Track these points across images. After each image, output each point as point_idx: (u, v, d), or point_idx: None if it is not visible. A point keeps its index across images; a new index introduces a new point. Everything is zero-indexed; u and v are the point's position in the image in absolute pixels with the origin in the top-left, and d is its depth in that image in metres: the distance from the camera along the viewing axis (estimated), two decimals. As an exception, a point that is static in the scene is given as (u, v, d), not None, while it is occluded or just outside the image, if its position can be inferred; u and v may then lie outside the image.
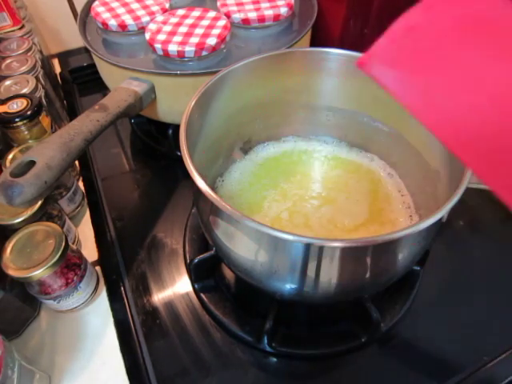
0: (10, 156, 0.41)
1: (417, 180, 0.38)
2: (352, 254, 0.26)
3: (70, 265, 0.36)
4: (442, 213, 0.24)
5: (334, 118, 0.43)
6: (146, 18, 0.50)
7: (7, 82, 0.47)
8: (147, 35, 0.47)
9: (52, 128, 0.47)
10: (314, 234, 0.36)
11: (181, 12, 0.50)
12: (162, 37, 0.46)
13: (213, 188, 0.30)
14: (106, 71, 0.51)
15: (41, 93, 0.48)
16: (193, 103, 0.32)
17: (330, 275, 0.27)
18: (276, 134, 0.45)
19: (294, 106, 0.42)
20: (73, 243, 0.42)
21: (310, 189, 0.41)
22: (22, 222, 0.36)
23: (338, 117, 0.43)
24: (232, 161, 0.43)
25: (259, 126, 0.43)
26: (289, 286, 0.29)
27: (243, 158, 0.44)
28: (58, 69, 0.71)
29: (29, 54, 0.53)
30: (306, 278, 0.28)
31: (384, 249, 0.27)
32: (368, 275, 0.28)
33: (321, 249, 0.25)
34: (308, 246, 0.25)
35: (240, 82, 0.37)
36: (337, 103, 0.41)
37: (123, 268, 0.42)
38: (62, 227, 0.40)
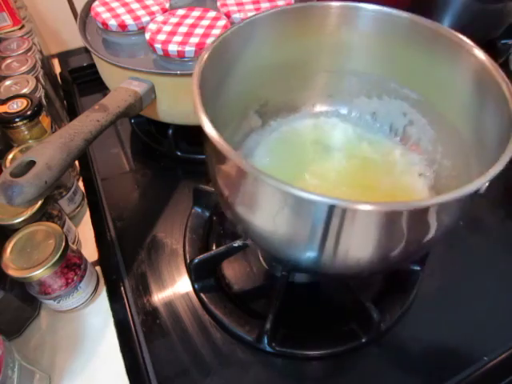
0: (10, 156, 0.41)
1: (448, 153, 0.35)
2: (381, 221, 0.23)
3: (70, 265, 0.36)
4: (487, 178, 0.21)
5: (358, 84, 0.39)
6: (145, 18, 0.50)
7: (7, 82, 0.47)
8: (147, 35, 0.47)
9: (52, 128, 0.47)
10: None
11: (181, 12, 0.50)
12: (161, 37, 0.46)
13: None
14: (106, 71, 0.51)
15: (41, 93, 0.48)
16: (206, 56, 0.29)
17: (351, 243, 0.25)
18: (294, 99, 0.41)
19: (314, 68, 0.39)
20: (73, 243, 0.42)
21: (332, 168, 0.37)
22: (21, 222, 0.36)
23: (363, 82, 0.39)
24: (247, 130, 0.39)
25: (277, 88, 0.39)
26: (307, 254, 0.27)
27: (259, 132, 0.40)
28: (58, 69, 0.71)
29: (29, 54, 0.53)
30: (326, 245, 0.25)
31: (417, 217, 0.23)
32: (393, 247, 0.25)
33: (345, 211, 0.22)
34: (332, 208, 0.22)
35: (258, 37, 0.34)
36: (362, 67, 0.38)
37: (123, 268, 0.42)
38: (62, 227, 0.40)
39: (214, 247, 0.44)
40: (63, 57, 0.73)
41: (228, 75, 0.33)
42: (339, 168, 0.38)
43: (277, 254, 0.30)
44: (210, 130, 0.24)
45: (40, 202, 0.37)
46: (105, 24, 0.49)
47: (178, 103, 0.47)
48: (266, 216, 0.26)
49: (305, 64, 0.38)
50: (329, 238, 0.24)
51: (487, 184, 0.22)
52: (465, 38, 0.30)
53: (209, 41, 0.45)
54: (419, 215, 0.23)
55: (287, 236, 0.27)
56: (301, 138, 0.40)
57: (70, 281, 0.36)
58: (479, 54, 0.29)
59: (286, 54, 0.36)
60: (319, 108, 0.42)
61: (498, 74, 0.27)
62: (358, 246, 0.25)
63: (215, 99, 0.31)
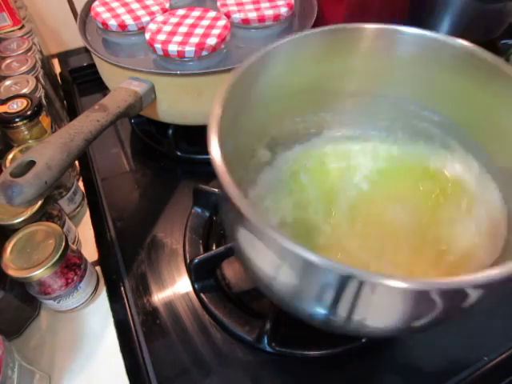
0: (10, 156, 0.41)
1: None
2: (409, 297, 0.20)
3: (70, 265, 0.36)
4: None
5: (380, 108, 0.37)
6: (146, 18, 0.50)
7: (7, 82, 0.47)
8: (147, 35, 0.47)
9: (52, 128, 0.47)
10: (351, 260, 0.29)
11: (181, 12, 0.50)
12: (161, 37, 0.46)
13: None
14: (106, 71, 0.51)
15: (41, 93, 0.48)
16: (224, 92, 0.26)
17: (368, 314, 0.22)
18: (312, 127, 0.38)
19: (333, 93, 0.36)
20: (73, 243, 0.42)
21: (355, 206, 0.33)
22: (21, 222, 0.36)
23: (384, 105, 0.36)
24: (257, 168, 0.36)
25: (292, 118, 0.37)
26: (313, 312, 0.25)
27: (269, 167, 0.36)
28: (57, 69, 0.71)
29: (29, 54, 0.53)
30: (338, 309, 0.22)
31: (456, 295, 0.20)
32: (419, 319, 0.22)
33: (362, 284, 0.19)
34: (346, 279, 0.19)
35: (279, 65, 0.31)
36: (388, 90, 0.35)
37: (123, 268, 0.42)
38: (62, 227, 0.40)
39: (213, 247, 0.44)
40: (63, 57, 0.73)
41: (241, 111, 0.30)
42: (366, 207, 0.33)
43: (283, 306, 0.28)
44: (231, 190, 0.21)
45: (40, 202, 0.37)
46: (105, 24, 0.49)
47: (178, 103, 0.47)
48: (269, 265, 0.24)
49: (324, 90, 0.36)
50: (341, 305, 0.22)
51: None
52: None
53: (209, 41, 0.45)
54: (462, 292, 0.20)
55: (292, 288, 0.24)
56: (318, 167, 0.36)
57: (70, 281, 0.36)
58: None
59: (305, 81, 0.34)
60: (337, 133, 0.39)
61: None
62: (377, 316, 0.23)
63: (230, 139, 0.27)
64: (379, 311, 0.22)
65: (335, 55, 0.33)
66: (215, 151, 0.23)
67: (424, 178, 0.35)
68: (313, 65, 0.33)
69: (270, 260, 0.23)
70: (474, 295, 0.20)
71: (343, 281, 0.19)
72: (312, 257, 0.18)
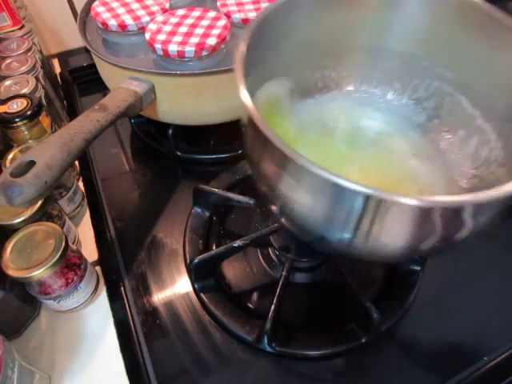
0: (10, 156, 0.41)
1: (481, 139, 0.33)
2: (416, 214, 0.23)
3: (69, 265, 0.36)
4: None
5: (393, 64, 0.38)
6: (146, 18, 0.50)
7: (7, 82, 0.47)
8: (147, 35, 0.47)
9: (52, 128, 0.47)
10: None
11: (181, 12, 0.50)
12: (162, 37, 0.46)
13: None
14: (106, 71, 0.51)
15: (41, 93, 0.48)
16: (251, 29, 0.28)
17: (384, 231, 0.24)
18: (326, 80, 0.39)
19: (349, 46, 0.37)
20: (73, 243, 0.42)
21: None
22: (21, 222, 0.36)
23: (404, 64, 0.37)
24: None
25: (309, 67, 0.38)
26: (341, 236, 0.27)
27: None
28: (57, 69, 0.71)
29: (29, 54, 0.53)
30: (360, 229, 0.25)
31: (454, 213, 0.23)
32: (424, 240, 0.25)
33: (380, 202, 0.22)
34: (367, 198, 0.22)
35: (299, 13, 0.33)
36: (404, 47, 0.36)
37: (123, 268, 0.42)
38: (62, 227, 0.40)
39: (214, 247, 0.44)
40: (63, 57, 0.73)
41: (265, 54, 0.32)
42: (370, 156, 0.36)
43: (311, 233, 0.30)
44: (252, 110, 0.24)
45: (40, 202, 0.37)
46: (105, 24, 0.49)
47: (178, 103, 0.47)
48: (306, 197, 0.26)
49: (340, 41, 0.37)
50: (363, 224, 0.24)
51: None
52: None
53: (209, 41, 0.45)
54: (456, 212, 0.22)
55: (323, 217, 0.26)
56: (332, 120, 0.38)
57: (70, 281, 0.36)
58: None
59: (323, 31, 0.35)
60: (354, 87, 0.40)
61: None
62: (390, 235, 0.25)
63: (253, 77, 0.29)
64: (393, 229, 0.24)
65: (348, 8, 0.35)
66: (242, 85, 0.24)
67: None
68: (329, 16, 0.35)
69: (306, 196, 0.26)
70: (471, 214, 0.23)
71: (366, 200, 0.22)
72: (342, 180, 0.21)
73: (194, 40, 0.45)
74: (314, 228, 0.28)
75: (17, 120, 0.41)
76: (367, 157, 0.37)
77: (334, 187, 0.22)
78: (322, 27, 0.35)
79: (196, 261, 0.39)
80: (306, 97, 0.39)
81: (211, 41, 0.45)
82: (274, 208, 0.31)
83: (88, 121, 0.37)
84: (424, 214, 0.22)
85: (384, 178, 0.35)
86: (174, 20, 0.49)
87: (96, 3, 0.52)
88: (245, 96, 0.24)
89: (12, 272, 0.33)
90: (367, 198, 0.22)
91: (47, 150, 0.33)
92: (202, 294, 0.39)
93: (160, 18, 0.49)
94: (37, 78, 0.49)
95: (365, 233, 0.25)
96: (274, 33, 0.32)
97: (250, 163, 0.31)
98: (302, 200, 0.27)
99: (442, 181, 0.35)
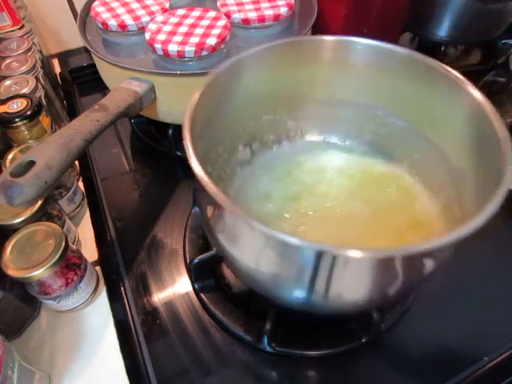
0: (10, 156, 0.41)
1: (439, 181, 0.35)
2: (375, 266, 0.23)
3: (70, 265, 0.36)
4: (483, 218, 0.22)
5: (346, 114, 0.40)
6: (145, 18, 0.50)
7: (7, 82, 0.47)
8: (147, 35, 0.47)
9: (52, 128, 0.47)
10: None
11: (181, 12, 0.50)
12: (162, 37, 0.46)
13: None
14: (105, 71, 0.51)
15: (41, 93, 0.48)
16: (197, 95, 0.30)
17: (343, 287, 0.25)
18: (283, 130, 0.42)
19: (303, 99, 0.40)
20: (73, 243, 0.42)
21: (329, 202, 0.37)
22: (21, 222, 0.36)
23: (351, 112, 0.40)
24: (237, 163, 0.40)
25: (266, 121, 0.40)
26: (295, 296, 0.27)
27: (248, 165, 0.40)
28: (57, 69, 0.71)
29: (29, 54, 0.53)
30: (315, 288, 0.25)
31: (413, 260, 0.23)
32: (389, 288, 0.26)
33: (336, 258, 0.22)
34: (320, 255, 0.22)
35: (249, 73, 0.35)
36: (351, 96, 0.39)
37: (123, 268, 0.42)
38: (62, 227, 0.40)
39: (214, 247, 0.44)
40: (63, 57, 0.73)
41: (218, 111, 0.34)
42: (333, 196, 0.38)
43: (263, 292, 0.30)
44: (196, 167, 0.26)
45: (40, 202, 0.37)
46: (105, 24, 0.49)
47: (178, 103, 0.47)
48: (249, 253, 0.27)
49: (294, 96, 0.39)
50: (318, 282, 0.24)
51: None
52: (461, 77, 0.30)
53: (209, 41, 0.45)
54: (416, 258, 0.23)
55: (272, 276, 0.27)
56: (293, 168, 0.40)
57: (69, 281, 0.36)
58: (475, 93, 0.29)
59: (276, 86, 0.37)
60: (311, 138, 0.43)
61: (493, 115, 0.28)
62: (352, 289, 0.25)
63: (206, 134, 0.32)
64: (352, 283, 0.25)
65: (300, 64, 0.37)
66: (190, 149, 0.27)
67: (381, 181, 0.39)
68: (281, 72, 0.36)
69: (251, 250, 0.26)
70: (428, 260, 0.24)
71: (318, 257, 0.22)
72: (289, 238, 0.21)
73: (194, 40, 0.45)
74: (263, 283, 0.28)
75: (17, 120, 0.41)
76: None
77: (278, 244, 0.22)
78: (272, 85, 0.37)
79: (196, 261, 0.39)
80: (263, 151, 0.41)
81: (211, 41, 0.45)
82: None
83: (88, 121, 0.37)
84: (383, 264, 0.22)
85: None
86: (174, 20, 0.49)
87: (96, 3, 0.52)
88: (195, 165, 0.26)
89: (12, 272, 0.33)
90: (318, 255, 0.22)
91: (47, 149, 0.33)
92: (202, 294, 0.39)
93: (160, 17, 0.49)
94: (37, 78, 0.49)
95: (322, 288, 0.25)
96: (223, 95, 0.34)
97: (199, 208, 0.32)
98: (242, 254, 0.27)
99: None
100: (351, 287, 0.25)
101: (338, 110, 0.40)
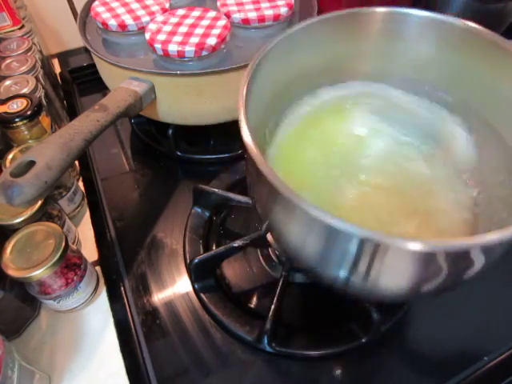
0: (10, 156, 0.41)
1: (489, 163, 0.33)
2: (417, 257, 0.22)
3: (70, 265, 0.36)
4: None
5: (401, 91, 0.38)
6: (145, 18, 0.50)
7: (7, 82, 0.47)
8: (147, 35, 0.47)
9: (52, 128, 0.47)
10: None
11: (181, 12, 0.50)
12: (162, 37, 0.46)
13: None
14: (105, 71, 0.51)
15: (41, 93, 0.48)
16: (256, 63, 0.29)
17: (383, 274, 0.24)
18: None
19: (352, 74, 0.38)
20: (73, 243, 0.42)
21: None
22: (21, 222, 0.36)
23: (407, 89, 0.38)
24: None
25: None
26: (336, 274, 0.26)
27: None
28: (57, 69, 0.71)
29: (29, 54, 0.53)
30: (358, 271, 0.24)
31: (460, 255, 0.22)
32: (428, 282, 0.25)
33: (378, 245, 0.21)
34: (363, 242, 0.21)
35: (300, 46, 0.34)
36: (406, 73, 0.37)
37: (123, 268, 0.42)
38: (62, 227, 0.40)
39: (214, 247, 0.44)
40: (63, 57, 0.73)
41: (263, 86, 0.32)
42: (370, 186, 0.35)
43: (305, 263, 0.29)
44: (251, 148, 0.24)
45: (40, 202, 0.37)
46: (105, 24, 0.49)
47: (178, 103, 0.47)
48: (298, 233, 0.26)
49: (341, 70, 0.38)
50: (360, 266, 0.24)
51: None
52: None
53: (209, 41, 0.45)
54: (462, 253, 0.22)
55: (317, 255, 0.26)
56: (334, 146, 0.38)
57: (69, 281, 0.36)
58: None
59: (324, 61, 0.36)
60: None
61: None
62: (390, 277, 0.25)
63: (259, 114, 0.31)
64: (392, 272, 0.24)
65: (349, 38, 0.36)
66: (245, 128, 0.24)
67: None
68: (329, 47, 0.35)
69: (299, 231, 0.25)
70: (476, 257, 0.23)
71: (362, 243, 0.21)
72: (335, 222, 0.20)
73: (194, 40, 0.45)
74: (307, 261, 0.28)
75: (17, 120, 0.41)
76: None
77: (326, 228, 0.22)
78: (324, 55, 0.36)
79: (196, 261, 0.39)
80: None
81: (211, 41, 0.45)
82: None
83: (88, 121, 0.37)
84: (428, 258, 0.22)
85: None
86: (174, 20, 0.49)
87: (96, 3, 0.52)
88: (246, 134, 0.24)
89: (12, 272, 0.33)
90: (362, 241, 0.21)
91: (47, 149, 0.33)
92: (202, 294, 0.39)
93: (160, 17, 0.49)
94: (37, 78, 0.49)
95: (362, 273, 0.24)
96: (273, 70, 0.32)
97: (249, 185, 0.31)
98: (293, 234, 0.27)
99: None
100: (390, 275, 0.24)
101: (388, 87, 0.38)
